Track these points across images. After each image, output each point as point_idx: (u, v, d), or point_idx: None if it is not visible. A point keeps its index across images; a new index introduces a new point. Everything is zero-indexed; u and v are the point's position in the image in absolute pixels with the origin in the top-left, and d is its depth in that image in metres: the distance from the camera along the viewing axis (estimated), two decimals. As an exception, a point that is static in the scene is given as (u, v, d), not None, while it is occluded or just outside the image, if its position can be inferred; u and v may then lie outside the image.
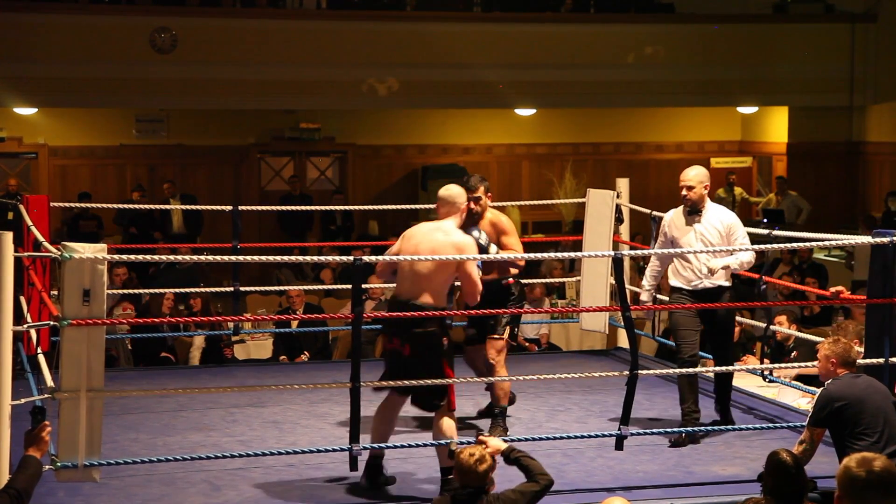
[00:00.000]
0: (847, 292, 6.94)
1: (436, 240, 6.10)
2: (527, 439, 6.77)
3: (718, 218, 7.03)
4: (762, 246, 7.02)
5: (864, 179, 18.06)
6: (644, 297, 7.33)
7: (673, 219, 7.17)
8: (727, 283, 7.08)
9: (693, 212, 7.04)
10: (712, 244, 6.90)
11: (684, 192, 7.03)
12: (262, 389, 7.93)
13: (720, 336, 7.18)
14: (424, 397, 6.08)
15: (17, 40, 15.14)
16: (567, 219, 17.66)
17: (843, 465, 3.55)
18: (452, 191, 6.33)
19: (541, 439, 6.79)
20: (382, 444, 6.17)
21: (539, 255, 6.73)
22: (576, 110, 18.29)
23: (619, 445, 6.30)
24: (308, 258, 7.66)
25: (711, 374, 7.41)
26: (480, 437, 5.40)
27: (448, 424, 6.01)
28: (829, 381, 5.68)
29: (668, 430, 6.80)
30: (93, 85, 15.54)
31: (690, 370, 6.93)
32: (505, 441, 5.51)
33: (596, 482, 6.26)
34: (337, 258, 9.53)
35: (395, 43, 16.26)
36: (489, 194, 7.16)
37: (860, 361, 6.25)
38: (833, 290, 7.03)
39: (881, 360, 6.32)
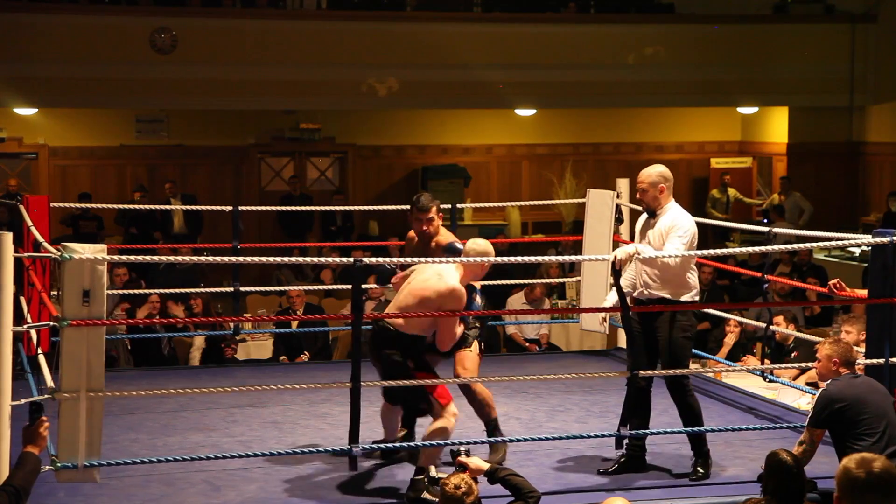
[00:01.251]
0: (845, 286, 6.75)
1: (428, 279, 6.12)
2: (527, 439, 6.79)
3: (670, 221, 6.47)
4: (761, 248, 6.95)
5: (864, 180, 18.06)
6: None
7: (640, 220, 6.77)
8: (671, 298, 6.39)
9: (650, 215, 6.59)
10: (655, 248, 6.44)
11: (638, 194, 6.59)
12: (262, 389, 7.93)
13: (665, 357, 6.44)
14: (409, 404, 6.28)
15: (17, 40, 15.15)
16: (567, 219, 17.67)
17: (842, 466, 3.54)
18: (480, 247, 6.27)
19: (541, 439, 6.80)
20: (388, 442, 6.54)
21: (538, 258, 6.70)
22: (576, 110, 18.29)
23: (619, 445, 6.31)
24: (308, 259, 7.64)
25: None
26: (460, 459, 5.17)
27: (438, 427, 6.04)
28: (829, 382, 5.67)
29: (668, 430, 6.79)
30: (93, 85, 15.54)
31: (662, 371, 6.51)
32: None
33: (596, 482, 6.27)
34: (337, 259, 9.52)
35: (395, 43, 16.27)
36: (441, 214, 6.76)
37: (861, 361, 6.26)
38: (832, 282, 6.70)
39: (881, 361, 6.31)
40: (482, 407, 6.57)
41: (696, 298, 6.53)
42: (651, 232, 6.55)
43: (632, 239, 7.24)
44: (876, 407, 5.54)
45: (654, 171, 6.58)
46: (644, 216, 6.70)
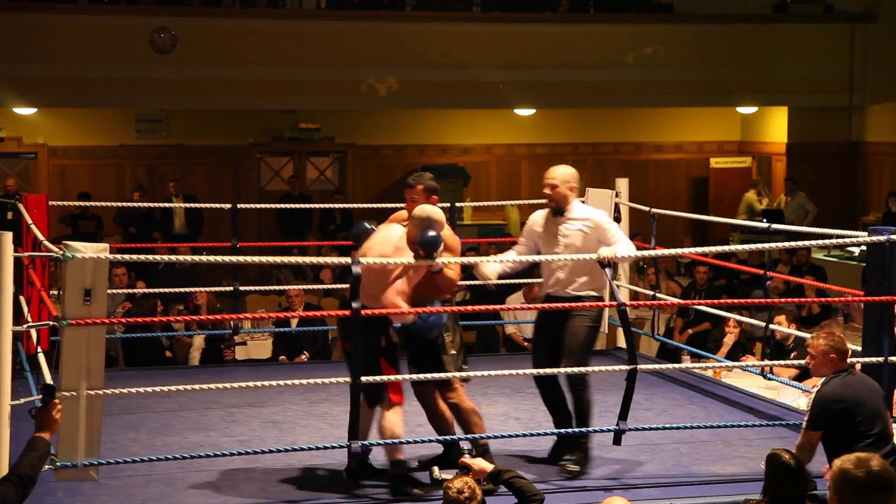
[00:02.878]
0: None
1: (377, 246, 6.16)
2: (525, 435, 6.78)
3: (585, 217, 6.53)
4: (761, 245, 6.92)
5: (863, 179, 18.07)
6: (484, 269, 6.62)
7: (536, 220, 6.72)
8: (584, 293, 6.49)
9: (557, 213, 6.55)
10: (577, 247, 6.45)
11: (547, 190, 6.52)
12: (262, 389, 7.92)
13: (566, 347, 6.44)
14: (366, 393, 6.11)
15: (17, 40, 15.16)
16: (567, 218, 17.65)
17: (837, 467, 3.52)
18: (431, 213, 6.08)
19: (540, 435, 6.79)
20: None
21: (534, 258, 6.69)
22: (575, 110, 18.29)
23: (617, 440, 6.27)
24: (307, 259, 7.64)
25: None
26: (463, 460, 5.10)
27: (389, 421, 6.04)
28: (824, 383, 5.61)
29: (668, 426, 6.79)
30: (93, 85, 15.55)
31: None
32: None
33: (596, 482, 6.27)
34: (336, 259, 9.51)
35: (395, 43, 16.28)
36: (434, 196, 6.38)
37: (859, 360, 6.26)
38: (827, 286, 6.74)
39: (880, 360, 6.30)
40: (472, 431, 6.23)
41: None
42: (564, 228, 6.52)
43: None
44: (871, 407, 5.52)
45: (567, 170, 6.61)
46: (536, 214, 6.69)
